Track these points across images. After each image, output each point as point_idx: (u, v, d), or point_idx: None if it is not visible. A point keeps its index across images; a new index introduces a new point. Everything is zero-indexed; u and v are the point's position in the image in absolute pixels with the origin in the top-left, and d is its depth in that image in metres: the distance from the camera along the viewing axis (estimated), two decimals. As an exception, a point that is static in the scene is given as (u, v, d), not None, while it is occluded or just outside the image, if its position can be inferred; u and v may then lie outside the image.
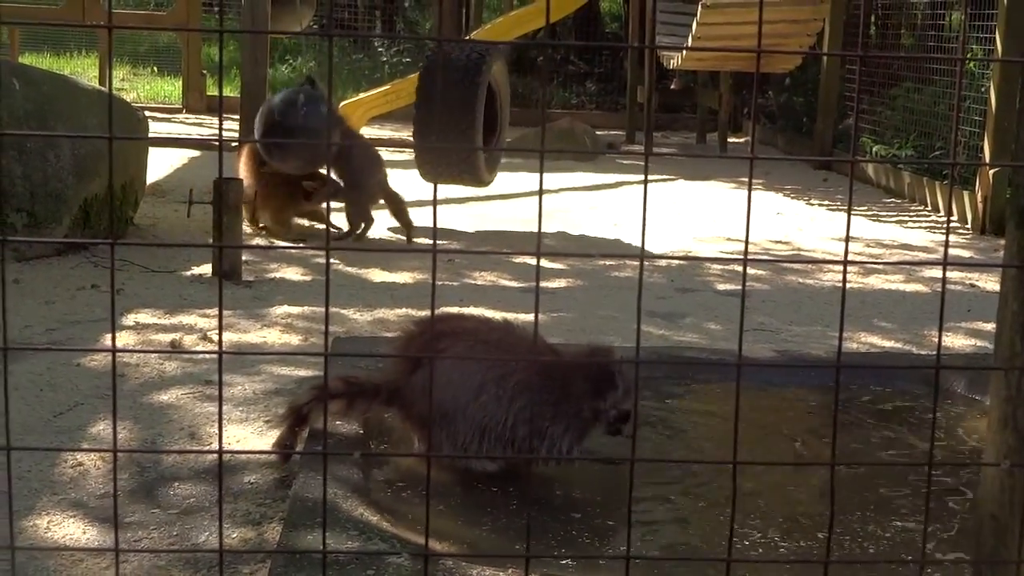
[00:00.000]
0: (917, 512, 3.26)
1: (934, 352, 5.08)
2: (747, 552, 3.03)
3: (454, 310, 5.10)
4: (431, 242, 7.19)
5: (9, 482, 1.60)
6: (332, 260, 6.83)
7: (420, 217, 7.91)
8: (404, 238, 7.64)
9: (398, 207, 7.66)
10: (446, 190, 9.03)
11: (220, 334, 1.39)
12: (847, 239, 1.51)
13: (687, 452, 3.82)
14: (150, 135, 8.53)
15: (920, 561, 1.73)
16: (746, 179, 10.86)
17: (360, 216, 7.53)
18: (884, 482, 3.53)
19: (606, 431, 3.51)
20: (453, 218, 8.33)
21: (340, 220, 7.66)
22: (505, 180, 9.89)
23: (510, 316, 5.36)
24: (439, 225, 8.00)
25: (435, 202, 1.31)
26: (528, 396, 3.41)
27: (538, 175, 8.88)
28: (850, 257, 7.49)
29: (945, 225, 8.99)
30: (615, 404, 3.46)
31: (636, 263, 6.88)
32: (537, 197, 9.33)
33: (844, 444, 3.82)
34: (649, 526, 3.20)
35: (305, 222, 7.75)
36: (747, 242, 1.38)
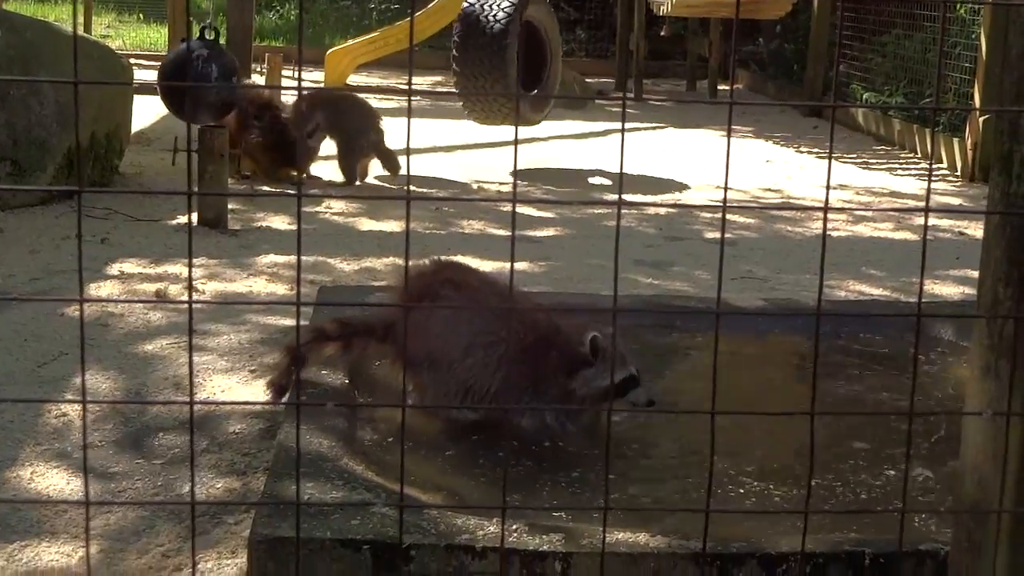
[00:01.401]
0: (915, 461, 3.26)
1: (924, 300, 5.07)
2: (741, 502, 3.03)
3: (442, 259, 5.08)
4: (415, 190, 7.15)
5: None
6: (319, 209, 6.79)
7: (416, 166, 7.87)
8: (392, 185, 7.63)
9: (391, 163, 7.65)
10: (431, 138, 9.00)
11: (190, 285, 1.37)
12: (827, 187, 1.49)
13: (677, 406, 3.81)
14: (135, 83, 8.46)
15: (901, 510, 1.73)
16: (736, 126, 10.80)
17: (347, 174, 7.54)
18: (876, 430, 3.53)
19: (632, 403, 3.42)
20: (442, 167, 8.28)
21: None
22: (497, 127, 9.83)
23: (497, 264, 5.36)
24: (429, 173, 7.97)
25: (408, 151, 1.29)
26: (511, 369, 3.39)
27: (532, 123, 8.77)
28: (840, 205, 7.47)
29: (941, 174, 8.95)
30: (588, 382, 3.39)
31: (626, 211, 6.85)
32: (529, 144, 9.29)
33: (833, 391, 3.82)
34: (648, 481, 3.18)
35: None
36: (726, 189, 1.36)
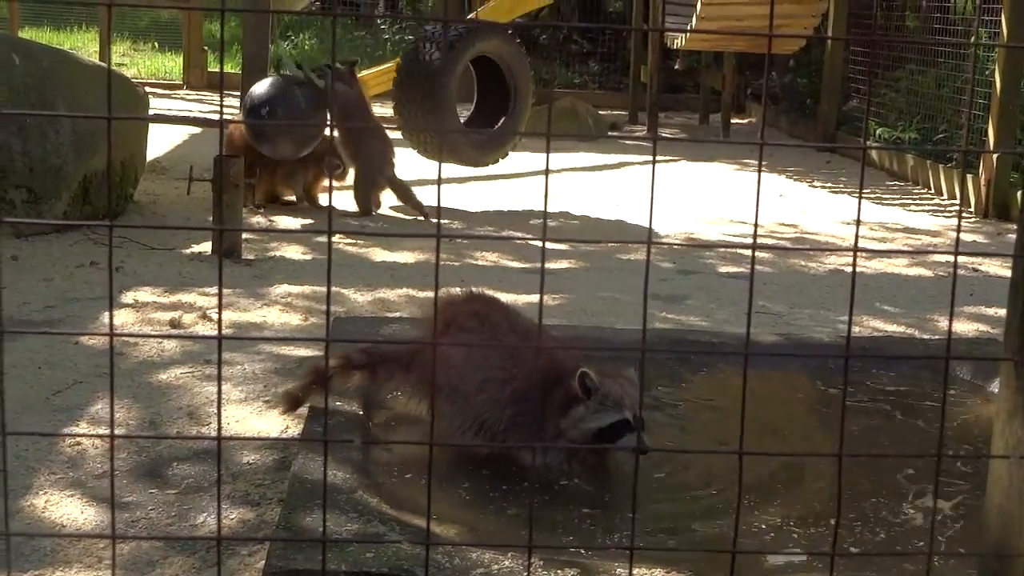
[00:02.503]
0: (927, 497, 3.24)
1: (938, 336, 5.06)
2: (762, 538, 3.00)
3: (473, 290, 5.08)
4: (435, 222, 7.14)
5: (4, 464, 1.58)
6: (333, 239, 6.79)
7: (423, 197, 7.87)
8: (407, 216, 7.63)
9: (405, 194, 7.63)
10: (444, 169, 9.00)
11: (220, 319, 1.37)
12: (857, 223, 1.48)
13: (699, 440, 3.79)
14: (150, 112, 8.49)
15: (928, 552, 1.71)
16: (748, 160, 10.79)
17: (362, 204, 7.55)
18: (896, 467, 3.50)
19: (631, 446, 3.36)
20: (456, 197, 8.29)
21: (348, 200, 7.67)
22: (509, 159, 9.85)
23: (512, 297, 5.35)
24: (445, 205, 7.97)
25: (439, 182, 1.29)
26: (519, 407, 3.38)
27: (542, 155, 8.83)
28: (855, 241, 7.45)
29: (954, 211, 8.94)
30: (578, 423, 3.36)
31: (638, 245, 6.85)
32: (540, 177, 9.28)
33: (851, 431, 3.79)
34: (667, 518, 3.16)
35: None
36: (756, 227, 1.35)
